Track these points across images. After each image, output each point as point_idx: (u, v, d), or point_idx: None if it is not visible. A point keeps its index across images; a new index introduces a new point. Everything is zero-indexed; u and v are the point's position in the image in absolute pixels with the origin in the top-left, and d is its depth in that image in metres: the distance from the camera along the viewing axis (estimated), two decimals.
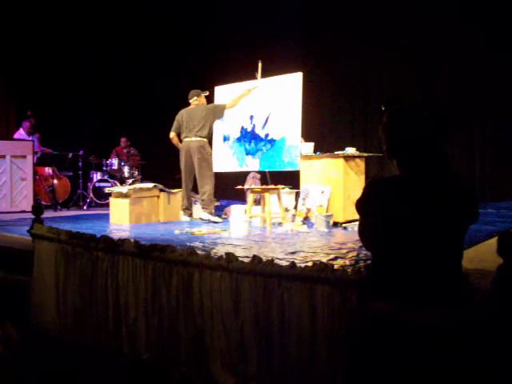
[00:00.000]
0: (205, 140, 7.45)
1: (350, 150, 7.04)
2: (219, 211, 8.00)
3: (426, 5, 8.55)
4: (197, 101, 7.66)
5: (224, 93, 8.28)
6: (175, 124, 7.64)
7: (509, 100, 8.12)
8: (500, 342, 2.04)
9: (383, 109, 2.46)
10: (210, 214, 7.24)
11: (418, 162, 2.19)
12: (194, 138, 7.38)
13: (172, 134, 7.69)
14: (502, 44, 7.97)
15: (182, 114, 7.58)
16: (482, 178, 8.51)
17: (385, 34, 9.02)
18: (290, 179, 7.86)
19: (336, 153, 7.00)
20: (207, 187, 7.31)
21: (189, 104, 7.71)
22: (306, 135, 7.83)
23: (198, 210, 7.69)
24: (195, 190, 7.69)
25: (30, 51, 11.20)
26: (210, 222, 7.11)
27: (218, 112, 7.62)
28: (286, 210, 7.08)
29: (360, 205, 2.27)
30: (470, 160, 8.62)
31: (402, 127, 2.24)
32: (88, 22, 11.61)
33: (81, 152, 10.68)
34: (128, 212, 7.14)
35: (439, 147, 2.20)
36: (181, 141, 7.61)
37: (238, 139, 8.29)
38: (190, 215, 7.51)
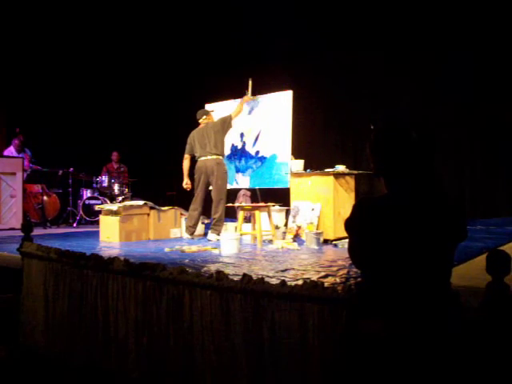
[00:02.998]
0: (221, 157, 7.42)
1: (340, 168, 7.07)
2: (208, 229, 7.96)
3: (416, 24, 8.64)
4: (206, 119, 7.65)
5: (215, 110, 8.31)
6: (188, 147, 7.60)
7: (497, 117, 8.19)
8: (489, 358, 2.05)
9: (372, 128, 2.46)
10: (218, 235, 7.15)
11: (406, 180, 2.21)
12: (209, 157, 7.34)
13: (186, 156, 7.65)
14: (490, 65, 8.06)
15: (194, 135, 7.56)
16: (471, 196, 8.56)
17: (375, 53, 9.08)
18: (281, 196, 7.88)
19: (326, 170, 7.02)
20: (221, 206, 7.28)
21: (198, 124, 7.69)
22: (296, 153, 7.85)
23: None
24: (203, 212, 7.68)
25: (19, 68, 11.20)
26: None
27: (227, 124, 7.58)
28: (277, 227, 7.08)
29: (349, 224, 2.28)
30: (459, 177, 8.67)
31: (389, 146, 2.25)
32: (79, 38, 11.63)
33: (71, 169, 10.65)
34: (118, 229, 7.12)
35: (427, 166, 2.22)
36: (192, 161, 7.64)
37: (229, 157, 8.31)
38: (192, 233, 7.46)
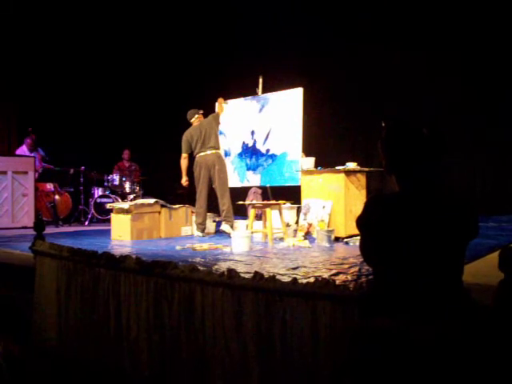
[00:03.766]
0: (219, 151, 7.62)
1: (351, 165, 7.05)
2: (219, 227, 7.99)
3: (428, 22, 8.59)
4: (198, 118, 7.78)
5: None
6: (185, 145, 7.71)
7: (509, 113, 8.14)
8: (502, 356, 2.04)
9: (384, 125, 2.44)
10: (232, 226, 7.33)
11: (417, 178, 2.20)
12: (209, 151, 7.48)
13: (185, 155, 7.78)
14: (502, 58, 8.01)
15: (191, 133, 7.67)
16: (483, 192, 8.50)
17: (385, 50, 9.05)
18: (291, 194, 7.87)
19: (337, 168, 7.00)
20: (227, 198, 7.44)
21: (189, 124, 7.79)
22: (307, 150, 7.85)
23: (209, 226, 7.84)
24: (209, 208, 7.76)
25: (31, 67, 11.26)
26: (229, 236, 7.05)
27: (217, 120, 7.80)
28: (288, 225, 7.08)
29: (360, 222, 2.27)
30: (471, 174, 8.62)
31: (400, 143, 2.25)
32: (91, 38, 11.68)
33: (82, 168, 10.70)
34: (129, 228, 7.15)
35: (438, 163, 2.21)
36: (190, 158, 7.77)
37: (239, 155, 8.33)
38: (203, 230, 7.54)
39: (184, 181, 7.83)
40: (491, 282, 2.56)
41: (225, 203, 7.39)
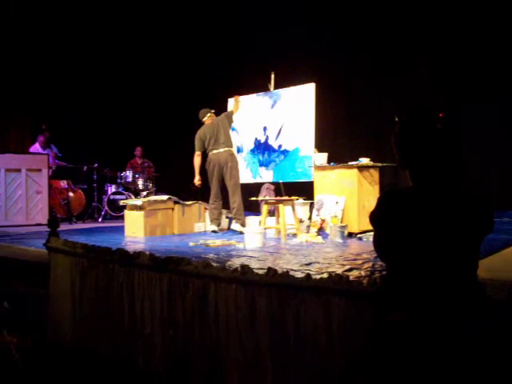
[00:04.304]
0: (232, 149, 7.69)
1: (364, 161, 7.03)
2: (230, 223, 8.01)
3: (441, 16, 8.53)
4: (210, 117, 7.85)
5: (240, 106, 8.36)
6: (199, 143, 7.77)
7: None
8: None
9: (397, 119, 2.43)
10: (242, 225, 7.34)
11: (431, 172, 2.18)
12: (222, 149, 7.55)
13: (198, 153, 7.84)
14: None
15: (204, 131, 7.73)
16: (498, 187, 8.44)
17: (398, 44, 9.00)
18: (304, 190, 7.86)
19: (350, 163, 6.99)
20: (238, 195, 7.50)
21: (201, 124, 7.85)
22: (320, 146, 7.82)
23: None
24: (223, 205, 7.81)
25: (43, 65, 11.31)
26: (241, 233, 7.08)
27: (230, 119, 7.87)
28: (301, 221, 7.07)
29: (374, 217, 2.26)
30: (486, 168, 8.56)
31: (414, 138, 2.23)
32: (102, 36, 11.71)
33: (95, 165, 10.75)
34: (143, 224, 7.17)
35: (453, 157, 2.19)
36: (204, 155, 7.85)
37: (252, 151, 8.33)
38: (219, 225, 7.64)
39: (197, 180, 7.88)
40: (506, 277, 2.54)
41: (235, 201, 7.43)
